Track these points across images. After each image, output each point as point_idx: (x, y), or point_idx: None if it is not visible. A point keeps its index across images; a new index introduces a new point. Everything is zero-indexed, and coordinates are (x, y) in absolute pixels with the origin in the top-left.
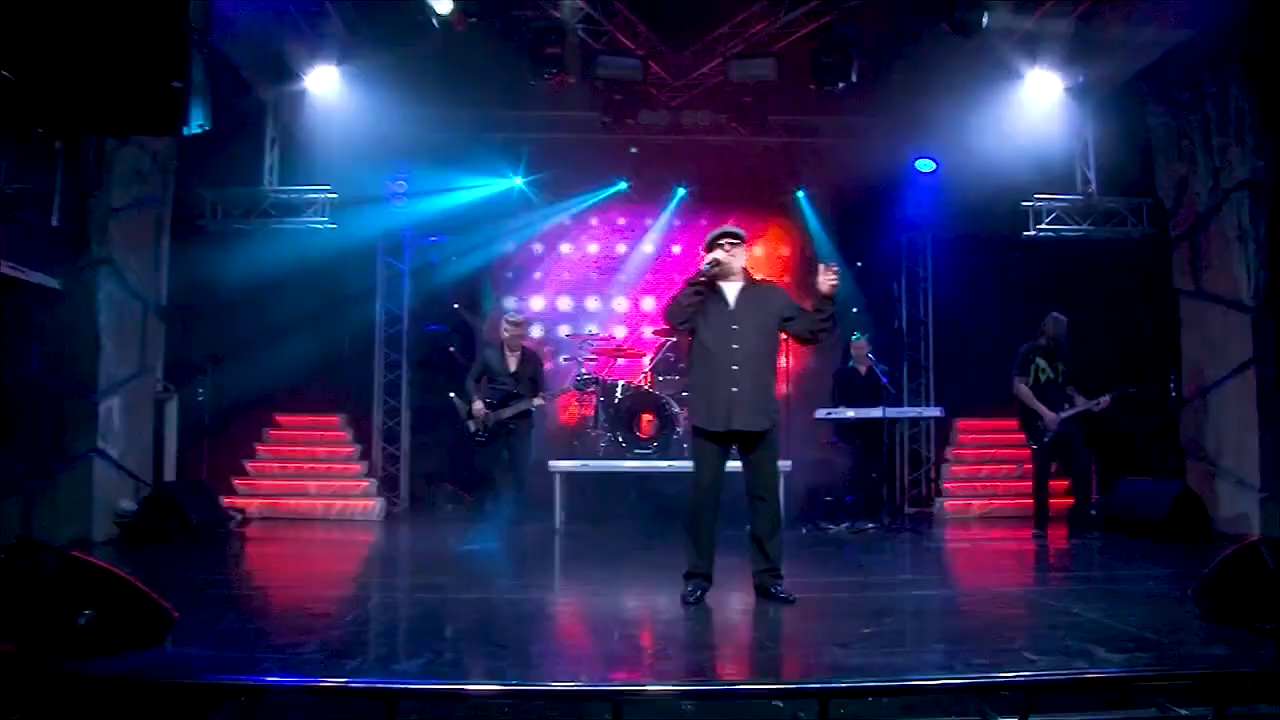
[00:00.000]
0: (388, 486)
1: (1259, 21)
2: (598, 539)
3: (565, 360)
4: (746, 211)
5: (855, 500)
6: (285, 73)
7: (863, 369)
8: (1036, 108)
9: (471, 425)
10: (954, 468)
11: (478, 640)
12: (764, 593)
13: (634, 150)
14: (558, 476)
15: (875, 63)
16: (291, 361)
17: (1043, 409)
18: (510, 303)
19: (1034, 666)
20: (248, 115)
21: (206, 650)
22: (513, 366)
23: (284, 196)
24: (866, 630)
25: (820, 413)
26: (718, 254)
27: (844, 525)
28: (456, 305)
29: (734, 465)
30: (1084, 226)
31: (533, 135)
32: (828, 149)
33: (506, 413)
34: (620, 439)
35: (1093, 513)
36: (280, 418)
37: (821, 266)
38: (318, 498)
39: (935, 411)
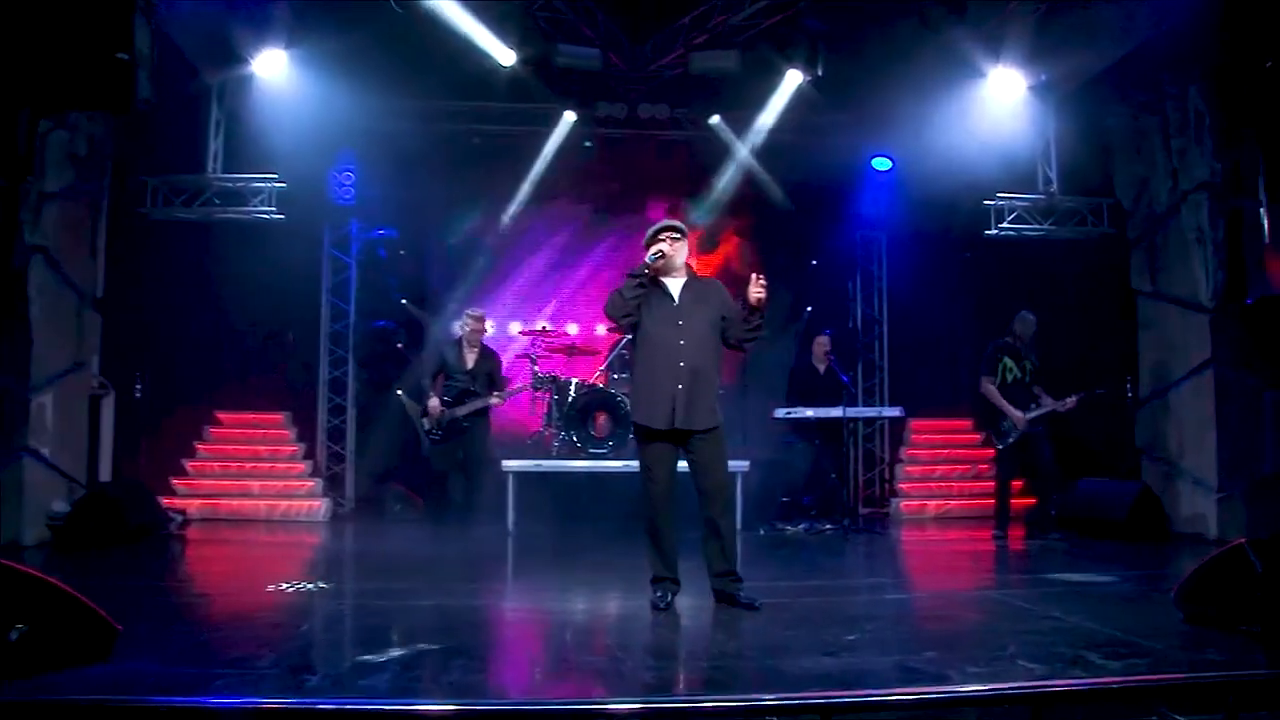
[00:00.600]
0: (333, 487)
1: (1221, 26)
2: (553, 541)
3: (518, 357)
4: (705, 206)
5: (813, 501)
6: (231, 56)
7: (822, 367)
8: (999, 106)
9: (426, 422)
10: (908, 468)
11: (443, 651)
12: (726, 599)
13: (588, 144)
14: (511, 476)
15: (838, 59)
16: (233, 357)
17: (1010, 409)
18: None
19: (1033, 675)
20: (191, 99)
21: (153, 666)
22: (470, 363)
23: (229, 184)
24: (850, 637)
25: (780, 411)
26: (661, 246)
27: (801, 526)
28: (404, 300)
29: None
30: (1045, 226)
31: (484, 127)
32: (786, 145)
33: (462, 410)
34: (575, 438)
35: (1052, 513)
36: (221, 415)
37: (753, 277)
38: (261, 498)
39: (895, 411)
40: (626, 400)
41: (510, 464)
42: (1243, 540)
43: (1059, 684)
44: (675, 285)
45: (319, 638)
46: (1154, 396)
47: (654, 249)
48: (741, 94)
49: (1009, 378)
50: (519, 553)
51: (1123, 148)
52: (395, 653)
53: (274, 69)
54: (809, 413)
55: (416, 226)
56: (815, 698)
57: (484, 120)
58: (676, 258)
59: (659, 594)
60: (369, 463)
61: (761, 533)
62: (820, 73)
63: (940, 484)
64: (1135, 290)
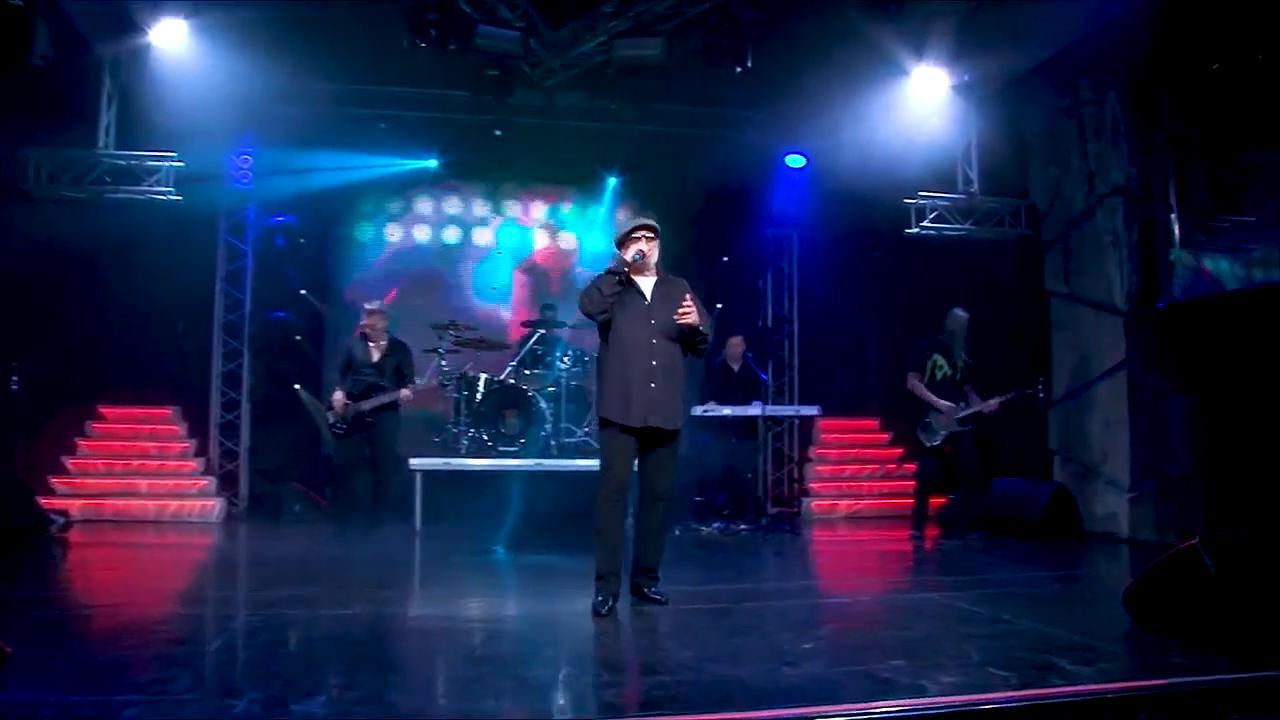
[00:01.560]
0: (226, 485)
1: (1156, 30)
2: (464, 542)
3: (426, 352)
4: (616, 201)
5: (726, 500)
6: (127, 24)
7: (736, 366)
8: (921, 105)
9: (331, 416)
10: (818, 467)
11: (374, 667)
12: (637, 593)
13: (498, 133)
14: (418, 476)
15: (758, 53)
16: (119, 347)
17: (939, 401)
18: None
19: (1009, 684)
20: (83, 70)
21: (51, 692)
22: (375, 357)
23: (122, 162)
24: (806, 645)
25: (697, 410)
26: (641, 246)
27: (715, 526)
28: (304, 291)
29: None
30: (965, 226)
31: (392, 112)
32: (703, 140)
33: (367, 405)
34: (485, 436)
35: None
36: (105, 409)
37: (685, 298)
38: (149, 498)
39: (813, 410)
40: (539, 397)
41: (418, 462)
42: (1195, 540)
43: (1048, 693)
44: (647, 284)
45: (236, 655)
46: (1068, 397)
47: (634, 249)
48: (667, 85)
49: (939, 375)
50: (432, 555)
51: (1039, 150)
52: (325, 672)
53: (173, 40)
54: (726, 411)
55: (318, 214)
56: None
57: (393, 105)
58: (652, 257)
59: (601, 597)
60: (265, 460)
61: (677, 533)
62: (749, 65)
63: (850, 484)
64: (1049, 292)
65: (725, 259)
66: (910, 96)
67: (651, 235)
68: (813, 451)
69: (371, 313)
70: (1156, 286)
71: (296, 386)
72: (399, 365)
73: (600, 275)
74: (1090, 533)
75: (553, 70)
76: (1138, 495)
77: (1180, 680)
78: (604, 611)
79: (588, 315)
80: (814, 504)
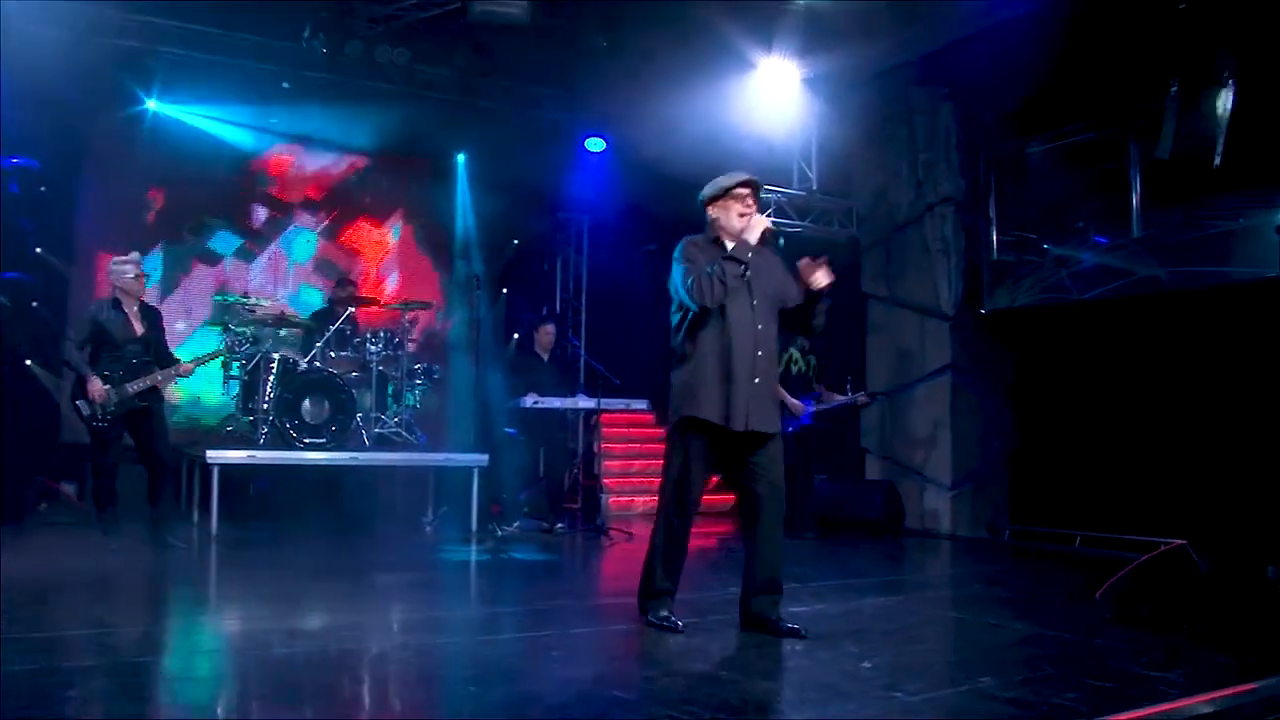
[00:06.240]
0: None
1: (980, 56)
2: (286, 548)
3: (208, 325)
4: (397, 171)
5: (530, 498)
6: None
7: (546, 356)
8: (760, 97)
9: (85, 406)
10: (606, 462)
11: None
12: (770, 625)
13: (286, 85)
14: (215, 470)
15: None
16: None
17: (789, 399)
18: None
19: (1127, 698)
20: None
21: None
22: (139, 329)
23: None
24: (866, 665)
25: (527, 401)
26: (762, 218)
27: (515, 526)
28: (40, 250)
29: None
30: (803, 224)
31: (164, 50)
32: (497, 114)
33: (136, 386)
34: (288, 426)
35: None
36: None
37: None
38: None
39: (641, 404)
40: (348, 383)
41: (216, 455)
42: (1184, 541)
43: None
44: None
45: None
46: (885, 398)
47: (758, 220)
48: (496, 51)
49: (793, 369)
50: (252, 564)
51: (867, 153)
52: None
53: None
54: (557, 403)
55: (64, 158)
56: None
57: (161, 41)
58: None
59: (665, 613)
60: None
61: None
62: (605, 43)
63: (639, 479)
64: (866, 294)
65: (515, 241)
66: (750, 88)
67: (759, 196)
68: (598, 446)
69: (127, 262)
70: (979, 293)
71: (28, 362)
72: (159, 337)
73: (695, 249)
74: (910, 530)
75: (375, 20)
76: (958, 493)
77: None
78: (682, 627)
79: (701, 306)
80: (611, 500)
